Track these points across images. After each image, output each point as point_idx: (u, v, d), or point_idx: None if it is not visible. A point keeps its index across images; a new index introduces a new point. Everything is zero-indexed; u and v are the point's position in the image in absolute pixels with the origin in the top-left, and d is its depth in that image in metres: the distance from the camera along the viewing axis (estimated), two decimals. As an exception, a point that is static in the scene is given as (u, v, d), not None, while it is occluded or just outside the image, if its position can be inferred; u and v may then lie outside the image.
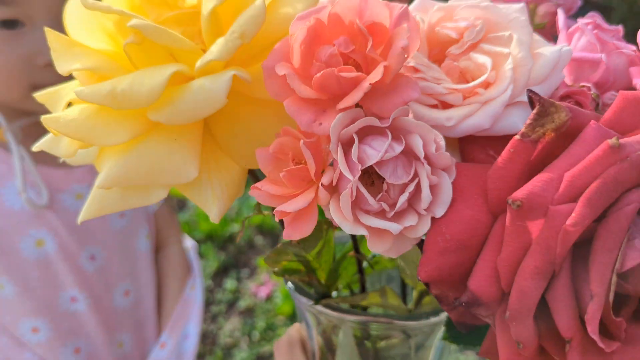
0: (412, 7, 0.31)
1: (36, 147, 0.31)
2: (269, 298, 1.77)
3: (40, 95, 0.32)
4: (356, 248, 0.39)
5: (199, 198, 0.29)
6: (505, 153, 0.25)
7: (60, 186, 0.75)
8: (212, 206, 0.29)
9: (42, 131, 0.69)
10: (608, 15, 2.87)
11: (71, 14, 0.30)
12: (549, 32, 0.40)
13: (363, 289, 0.42)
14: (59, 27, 0.64)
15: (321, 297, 0.39)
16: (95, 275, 0.78)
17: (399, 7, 0.26)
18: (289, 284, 0.40)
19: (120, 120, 0.27)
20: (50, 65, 0.61)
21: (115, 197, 0.29)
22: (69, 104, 0.29)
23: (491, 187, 0.25)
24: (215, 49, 0.26)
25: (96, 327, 0.79)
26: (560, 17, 0.35)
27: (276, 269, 0.38)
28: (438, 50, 0.30)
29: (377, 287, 0.45)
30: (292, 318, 1.70)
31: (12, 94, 0.68)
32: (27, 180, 0.71)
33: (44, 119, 0.27)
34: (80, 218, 0.31)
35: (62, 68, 0.28)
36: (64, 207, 0.75)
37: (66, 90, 0.31)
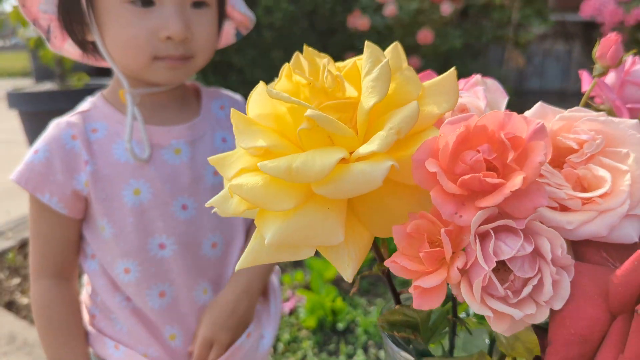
0: (531, 112, 0.36)
1: (208, 203, 0.37)
2: (292, 312, 1.86)
3: (213, 159, 0.37)
4: (455, 313, 0.43)
5: (336, 259, 0.34)
6: (628, 263, 0.29)
7: (161, 142, 0.84)
8: (348, 267, 0.34)
9: (155, 99, 0.82)
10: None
11: (254, 98, 0.36)
12: None
13: (452, 348, 0.45)
14: (183, 7, 0.75)
15: (420, 354, 0.43)
16: (186, 223, 0.85)
17: (535, 122, 0.31)
18: (388, 338, 0.43)
19: (288, 191, 0.32)
20: (169, 38, 0.75)
21: (270, 252, 0.34)
22: (240, 171, 0.34)
23: (613, 291, 0.29)
24: (377, 142, 0.31)
25: (181, 273, 0.85)
26: None
27: (383, 324, 0.42)
28: (557, 154, 0.34)
29: (461, 342, 0.48)
30: (315, 331, 1.76)
31: (136, 63, 0.77)
32: (135, 137, 0.82)
33: (231, 185, 0.32)
34: (238, 266, 0.36)
35: (244, 144, 0.33)
36: (163, 160, 0.83)
37: (234, 158, 0.36)
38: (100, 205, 0.81)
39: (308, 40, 3.22)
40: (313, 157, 0.31)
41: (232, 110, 0.35)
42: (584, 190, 0.33)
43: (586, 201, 0.32)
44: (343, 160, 0.31)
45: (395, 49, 0.36)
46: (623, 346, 0.30)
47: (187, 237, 0.85)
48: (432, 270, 0.32)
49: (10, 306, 2.05)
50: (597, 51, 0.43)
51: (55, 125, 0.83)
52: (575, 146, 0.34)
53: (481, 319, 0.45)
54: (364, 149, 0.31)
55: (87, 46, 0.84)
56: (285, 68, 0.35)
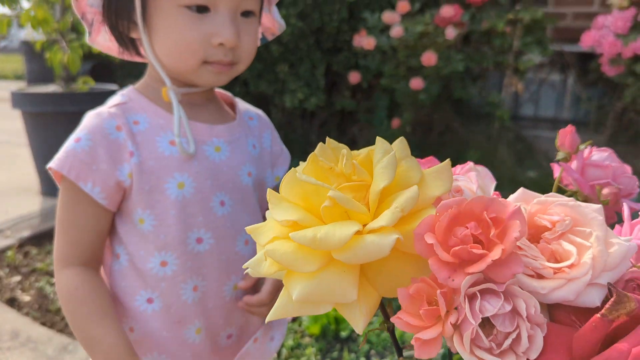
0: (515, 196, 0.43)
1: (245, 265, 0.44)
2: (296, 319, 1.92)
3: (249, 229, 0.44)
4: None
5: (350, 315, 0.41)
6: (589, 325, 0.36)
7: (204, 138, 0.87)
8: (359, 321, 0.41)
9: (195, 99, 0.88)
10: (621, 92, 3.01)
11: (286, 179, 0.44)
12: (612, 209, 0.51)
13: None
14: (235, 15, 0.79)
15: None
16: (223, 219, 0.87)
17: (513, 206, 0.38)
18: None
19: (312, 256, 0.40)
20: (221, 44, 0.79)
21: (296, 306, 0.41)
22: (273, 239, 0.41)
23: (576, 347, 0.36)
24: (385, 218, 0.38)
25: (215, 268, 0.87)
26: (626, 209, 0.47)
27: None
28: (534, 231, 0.42)
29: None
30: (318, 339, 1.82)
31: (187, 66, 0.81)
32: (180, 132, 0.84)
33: (266, 250, 0.40)
34: (268, 318, 0.42)
35: (278, 216, 0.41)
36: (205, 156, 0.86)
37: (267, 228, 0.43)
38: (143, 197, 0.82)
39: (313, 56, 3.31)
40: (334, 229, 0.38)
41: (268, 189, 0.43)
42: (556, 261, 0.40)
43: (557, 271, 0.39)
44: (358, 232, 0.39)
45: (401, 142, 0.44)
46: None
47: (223, 233, 0.87)
48: (430, 325, 0.39)
49: (12, 303, 2.07)
50: (558, 141, 0.51)
51: (95, 115, 0.83)
52: (549, 225, 0.41)
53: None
54: (375, 224, 0.38)
55: (126, 42, 0.86)
56: (312, 155, 0.43)
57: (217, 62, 0.80)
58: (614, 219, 0.50)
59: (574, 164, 0.52)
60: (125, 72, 4.26)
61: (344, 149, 0.43)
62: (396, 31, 3.01)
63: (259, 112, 1.01)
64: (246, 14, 0.82)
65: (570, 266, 0.39)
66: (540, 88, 3.65)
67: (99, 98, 3.13)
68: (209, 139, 0.87)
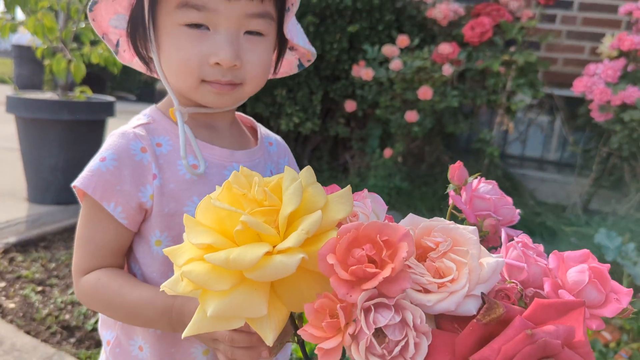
0: (405, 221, 0.50)
1: (162, 287, 0.49)
2: None
3: (167, 250, 0.49)
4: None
5: (261, 329, 0.47)
6: (467, 329, 0.43)
7: (224, 163, 0.87)
8: (269, 335, 0.47)
9: (204, 118, 0.87)
10: (608, 137, 3.09)
11: (201, 205, 0.49)
12: (492, 238, 0.58)
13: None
14: (236, 35, 0.79)
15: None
16: None
17: (403, 229, 0.45)
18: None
19: (225, 276, 0.45)
20: (217, 64, 0.77)
21: (210, 323, 0.47)
22: (189, 260, 0.47)
23: (457, 349, 0.43)
24: (292, 240, 0.45)
25: None
26: (503, 235, 0.54)
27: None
28: (421, 252, 0.48)
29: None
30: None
31: (185, 83, 0.81)
32: (191, 153, 0.84)
33: (183, 271, 0.45)
34: (184, 334, 0.48)
35: (193, 240, 0.46)
36: (225, 180, 0.86)
37: (183, 250, 0.49)
38: (162, 219, 0.81)
39: (312, 83, 3.40)
40: (245, 250, 0.44)
41: (185, 215, 0.49)
42: (440, 277, 0.46)
43: (440, 285, 0.45)
44: (267, 253, 0.44)
45: (308, 170, 0.50)
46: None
47: None
48: (331, 336, 0.45)
49: (-6, 310, 2.05)
50: (449, 174, 0.58)
51: (121, 135, 0.83)
52: (433, 246, 0.48)
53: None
54: (283, 245, 0.44)
55: (149, 62, 0.87)
56: (226, 183, 0.49)
57: (215, 81, 0.80)
58: (497, 243, 0.57)
59: (463, 195, 0.59)
60: (116, 84, 4.34)
61: (257, 176, 0.49)
62: (395, 64, 3.10)
63: (278, 138, 1.02)
64: (252, 33, 0.80)
65: (451, 281, 0.45)
66: (528, 128, 3.74)
67: (95, 108, 3.19)
68: (229, 163, 0.87)
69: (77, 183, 0.81)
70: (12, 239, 2.64)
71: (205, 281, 0.45)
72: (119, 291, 0.79)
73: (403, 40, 3.24)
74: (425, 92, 3.05)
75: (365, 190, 0.57)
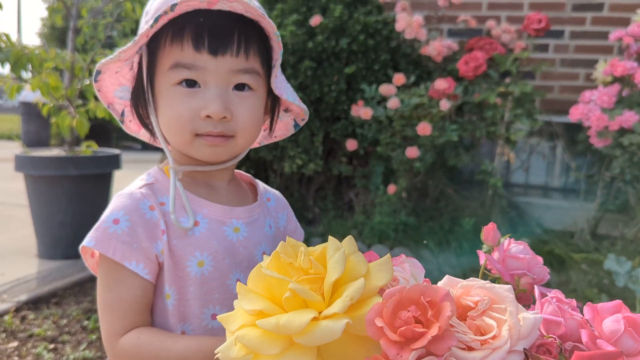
0: (442, 282, 0.52)
1: (217, 350, 0.51)
2: None
3: (221, 317, 0.52)
4: None
5: None
6: None
7: (224, 219, 0.91)
8: None
9: (203, 177, 0.93)
10: (609, 162, 3.13)
11: (253, 273, 0.52)
12: (529, 295, 0.60)
13: None
14: (225, 89, 0.85)
15: None
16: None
17: (444, 290, 0.47)
18: None
19: (276, 340, 0.48)
20: (208, 117, 0.83)
21: None
22: (241, 326, 0.49)
23: None
24: (337, 306, 0.47)
25: None
26: (537, 291, 0.56)
27: None
28: (461, 311, 0.51)
29: None
30: None
31: (181, 139, 0.86)
32: (200, 211, 0.89)
33: (237, 336, 0.47)
34: None
35: (246, 306, 0.49)
36: (224, 236, 0.90)
37: (236, 316, 0.52)
38: (170, 274, 0.86)
39: (312, 125, 3.45)
40: (294, 316, 0.47)
41: (238, 283, 0.52)
42: (481, 335, 0.48)
43: (483, 342, 0.47)
44: (314, 319, 0.47)
45: (350, 240, 0.53)
46: None
47: None
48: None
49: (7, 371, 2.00)
50: (482, 235, 0.61)
51: (128, 196, 0.88)
52: (472, 305, 0.50)
53: None
54: (329, 311, 0.47)
55: (152, 129, 0.92)
56: (274, 253, 0.52)
57: (207, 134, 0.85)
58: (530, 301, 0.59)
59: (496, 255, 0.61)
60: (121, 134, 4.39)
61: (302, 246, 0.52)
62: (392, 102, 3.16)
63: (277, 193, 1.07)
64: (240, 87, 0.87)
65: (493, 337, 0.47)
66: (530, 156, 3.78)
67: (101, 162, 3.24)
68: (228, 219, 0.91)
69: (96, 247, 0.84)
70: (23, 297, 2.64)
71: (257, 345, 0.47)
72: (163, 345, 0.81)
73: (399, 78, 3.30)
74: (424, 128, 3.10)
75: (403, 255, 0.59)
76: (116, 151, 3.49)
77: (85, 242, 0.85)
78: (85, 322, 2.47)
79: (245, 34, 0.86)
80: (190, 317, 0.88)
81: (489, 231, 0.62)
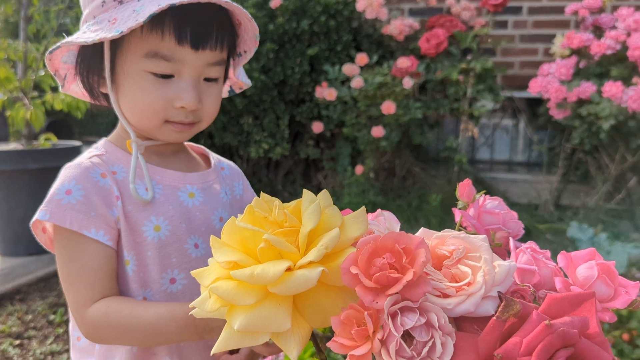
0: (418, 233, 0.52)
1: (191, 305, 0.49)
2: None
3: (194, 272, 0.51)
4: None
5: (285, 344, 0.48)
6: (488, 327, 0.44)
7: (177, 185, 0.92)
8: (294, 350, 0.48)
9: (164, 150, 0.94)
10: (569, 133, 3.20)
11: (226, 226, 0.51)
12: (504, 249, 0.60)
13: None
14: (197, 83, 0.86)
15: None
16: (196, 261, 0.90)
17: (418, 238, 0.47)
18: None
19: (251, 291, 0.47)
20: (182, 108, 0.84)
21: (237, 338, 0.48)
22: (216, 279, 0.48)
23: (481, 347, 0.44)
24: (312, 254, 0.46)
25: None
26: (511, 243, 0.56)
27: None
28: (437, 261, 0.51)
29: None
30: None
31: (150, 125, 0.87)
32: (143, 178, 0.89)
33: (211, 287, 0.46)
34: (213, 350, 0.49)
35: (220, 258, 0.48)
36: (179, 201, 0.91)
37: (210, 271, 0.50)
38: (127, 239, 0.86)
39: (277, 108, 3.43)
40: (268, 266, 0.46)
41: (212, 236, 0.51)
42: (457, 282, 0.48)
43: (458, 289, 0.47)
44: (289, 269, 0.46)
45: (325, 194, 0.52)
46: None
47: None
48: (361, 344, 0.47)
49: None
50: (457, 192, 0.61)
51: (77, 166, 0.87)
52: (448, 254, 0.50)
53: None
54: (304, 260, 0.46)
55: (96, 94, 0.93)
56: (248, 207, 0.51)
57: (178, 122, 0.87)
58: (505, 256, 0.60)
59: (471, 211, 0.62)
60: (83, 129, 4.30)
61: (277, 200, 0.51)
62: (356, 82, 3.16)
63: (231, 163, 1.07)
64: (209, 79, 0.88)
65: (468, 284, 0.47)
66: (494, 132, 3.84)
67: (61, 154, 3.14)
68: (182, 185, 0.92)
69: (49, 219, 0.82)
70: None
71: (232, 296, 0.46)
72: (134, 313, 0.80)
73: (362, 58, 3.30)
74: (388, 107, 3.11)
75: (379, 210, 0.59)
76: (76, 143, 3.40)
77: (39, 215, 0.83)
78: (52, 317, 2.42)
79: (222, 26, 0.86)
80: (150, 283, 0.88)
81: (464, 187, 0.62)
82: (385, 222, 0.58)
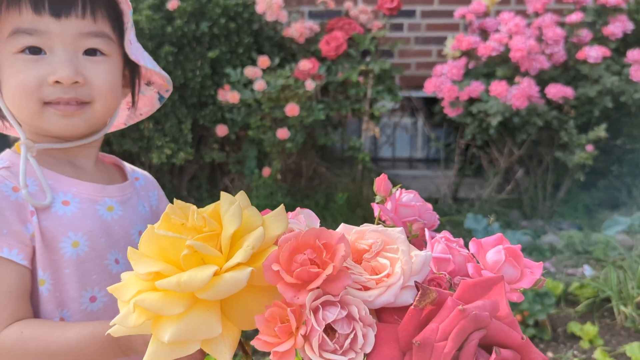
0: (339, 229, 0.53)
1: (112, 322, 0.47)
2: None
3: (111, 288, 0.49)
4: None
5: (216, 350, 0.48)
6: (406, 316, 0.47)
7: (96, 198, 0.87)
8: (225, 354, 0.48)
9: (64, 155, 0.87)
10: (462, 130, 3.39)
11: (144, 237, 0.49)
12: (421, 239, 0.63)
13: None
14: (74, 54, 0.80)
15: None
16: (117, 277, 0.82)
17: (338, 234, 0.48)
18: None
19: (178, 299, 0.46)
20: (57, 82, 0.78)
21: (166, 351, 0.47)
22: (137, 292, 0.47)
23: (401, 336, 0.46)
24: (239, 255, 0.46)
25: None
26: (427, 233, 0.60)
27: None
28: (357, 255, 0.52)
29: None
30: None
31: (28, 109, 0.80)
32: (62, 189, 0.84)
33: (135, 301, 0.45)
34: None
35: (141, 270, 0.46)
36: (98, 215, 0.86)
37: (128, 285, 0.49)
38: (43, 257, 0.81)
39: (179, 112, 3.35)
40: (195, 273, 0.46)
41: (129, 248, 0.49)
42: (376, 274, 0.50)
43: (378, 281, 0.49)
44: (215, 273, 0.46)
45: (242, 194, 0.53)
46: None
47: None
48: (284, 340, 0.48)
49: None
50: (375, 187, 0.64)
51: None
52: (367, 247, 0.52)
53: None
54: (231, 262, 0.46)
55: None
56: (164, 215, 0.50)
57: (57, 100, 0.80)
58: (422, 247, 0.63)
59: (389, 205, 0.64)
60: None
61: (192, 206, 0.50)
62: (259, 85, 3.16)
63: (145, 172, 1.03)
64: (91, 52, 0.83)
65: (387, 275, 0.49)
66: (395, 131, 3.99)
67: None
68: (101, 198, 0.88)
69: None
70: None
71: (159, 307, 0.46)
72: (50, 337, 0.76)
73: (264, 61, 3.30)
74: (292, 109, 3.14)
75: (298, 209, 0.60)
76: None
77: None
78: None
79: None
80: (68, 302, 0.84)
81: (380, 182, 0.64)
82: (305, 219, 0.58)
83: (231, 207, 0.49)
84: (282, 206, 0.53)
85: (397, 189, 0.66)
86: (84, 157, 0.91)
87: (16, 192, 0.81)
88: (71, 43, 0.80)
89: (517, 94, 2.97)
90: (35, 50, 0.79)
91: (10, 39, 0.79)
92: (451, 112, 3.24)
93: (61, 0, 0.79)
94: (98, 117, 0.86)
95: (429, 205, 0.66)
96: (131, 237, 0.90)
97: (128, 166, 1.01)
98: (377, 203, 0.65)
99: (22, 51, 0.79)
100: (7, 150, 0.89)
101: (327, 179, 3.46)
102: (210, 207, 0.51)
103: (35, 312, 0.83)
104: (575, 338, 2.17)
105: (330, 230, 0.49)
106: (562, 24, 3.28)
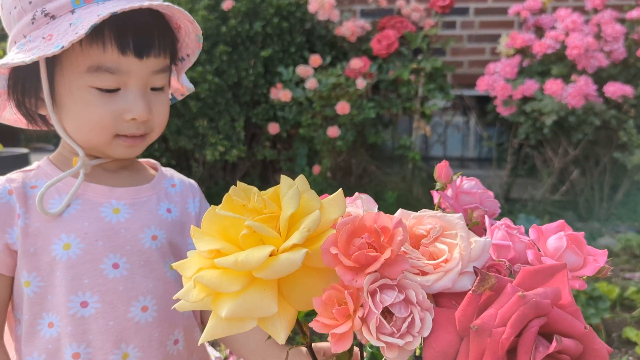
0: (396, 215, 0.54)
1: (176, 296, 0.50)
2: None
3: (176, 264, 0.52)
4: (362, 354, 0.59)
5: (272, 328, 0.49)
6: (465, 301, 0.47)
7: (100, 200, 0.87)
8: (281, 334, 0.49)
9: (109, 166, 0.92)
10: (515, 129, 3.31)
11: (205, 217, 0.51)
12: (481, 227, 0.63)
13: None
14: (144, 92, 0.85)
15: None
16: (114, 282, 0.84)
17: (396, 218, 0.48)
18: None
19: (236, 277, 0.48)
20: (133, 120, 0.82)
21: (224, 326, 0.48)
22: (199, 269, 0.49)
23: (458, 320, 0.46)
24: (295, 237, 0.47)
25: (101, 335, 0.83)
26: (487, 220, 0.59)
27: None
28: (415, 240, 0.53)
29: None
30: None
31: (99, 140, 0.84)
32: (60, 192, 0.85)
33: (196, 277, 0.47)
34: (201, 340, 0.50)
35: (201, 247, 0.48)
36: (99, 217, 0.86)
37: (191, 262, 0.51)
38: (28, 260, 0.82)
39: (232, 110, 3.41)
40: (252, 252, 0.47)
41: (192, 226, 0.51)
42: (434, 259, 0.50)
43: (436, 266, 0.49)
44: (272, 253, 0.47)
45: (302, 178, 0.54)
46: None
47: (113, 297, 0.84)
48: (342, 322, 0.48)
49: None
50: (435, 173, 0.63)
51: None
52: (425, 233, 0.52)
53: (378, 350, 0.61)
54: (287, 243, 0.47)
55: (34, 117, 0.89)
56: (226, 196, 0.52)
57: (130, 135, 0.84)
58: (482, 234, 0.62)
59: (449, 192, 0.64)
60: (29, 135, 4.16)
61: (254, 188, 0.52)
62: (310, 83, 3.18)
63: (186, 180, 1.02)
64: (155, 88, 0.86)
65: (445, 261, 0.49)
66: (446, 130, 3.94)
67: (7, 162, 3.04)
68: (106, 200, 0.87)
69: None
70: None
71: (217, 284, 0.47)
72: None
73: (315, 59, 3.32)
74: (343, 107, 3.15)
75: (357, 193, 0.60)
76: (24, 150, 3.29)
77: None
78: None
79: (163, 31, 0.85)
80: (56, 306, 0.83)
81: (441, 169, 0.64)
82: (364, 204, 0.59)
83: (290, 190, 0.50)
84: (340, 190, 0.54)
85: (458, 176, 0.66)
86: (116, 165, 0.93)
87: (9, 195, 0.83)
88: (144, 80, 0.84)
89: (572, 93, 2.88)
90: (112, 89, 0.82)
91: (89, 73, 0.80)
92: (504, 111, 3.17)
93: (143, 40, 0.81)
94: (151, 142, 0.90)
95: (490, 193, 0.65)
96: (140, 242, 0.88)
97: (168, 172, 1.01)
98: (437, 190, 0.65)
99: (98, 87, 0.81)
100: (45, 158, 0.92)
101: (376, 178, 3.45)
102: (270, 190, 0.52)
103: (19, 314, 0.85)
104: (630, 344, 2.09)
105: (388, 215, 0.49)
106: (622, 21, 3.16)
